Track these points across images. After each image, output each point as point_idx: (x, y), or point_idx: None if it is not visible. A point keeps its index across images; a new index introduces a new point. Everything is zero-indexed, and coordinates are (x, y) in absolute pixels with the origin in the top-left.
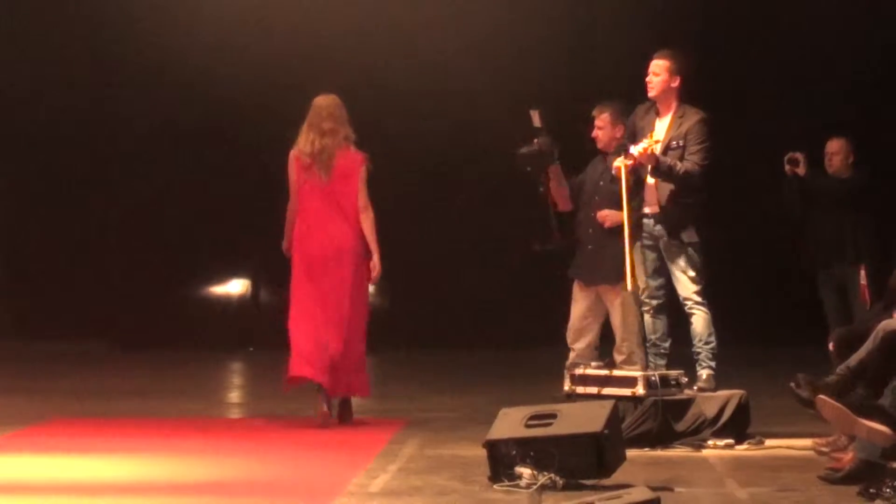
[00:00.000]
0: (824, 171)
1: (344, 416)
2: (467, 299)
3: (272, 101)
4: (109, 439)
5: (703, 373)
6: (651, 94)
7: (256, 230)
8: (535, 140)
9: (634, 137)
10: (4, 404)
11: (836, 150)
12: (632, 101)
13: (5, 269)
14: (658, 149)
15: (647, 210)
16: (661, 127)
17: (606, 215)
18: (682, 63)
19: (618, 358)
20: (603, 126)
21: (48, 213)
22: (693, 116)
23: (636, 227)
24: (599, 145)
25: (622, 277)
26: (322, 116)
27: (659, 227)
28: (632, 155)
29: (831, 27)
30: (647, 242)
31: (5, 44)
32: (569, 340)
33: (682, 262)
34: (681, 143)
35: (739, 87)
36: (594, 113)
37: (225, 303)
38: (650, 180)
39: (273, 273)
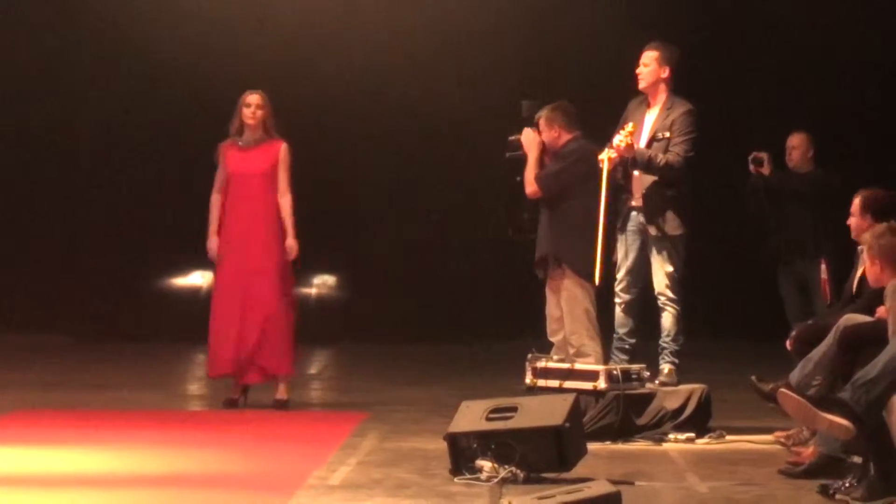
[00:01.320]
0: (784, 165)
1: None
2: (428, 291)
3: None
4: (70, 431)
5: (666, 367)
6: (641, 85)
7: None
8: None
9: None
10: None
11: (796, 145)
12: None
13: None
14: (644, 140)
15: (632, 203)
16: (650, 119)
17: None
18: (671, 54)
19: (569, 350)
20: (541, 130)
21: (5, 203)
22: (680, 108)
23: (624, 219)
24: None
25: (560, 263)
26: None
27: (642, 218)
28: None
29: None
30: (631, 236)
31: None
32: (548, 333)
33: (662, 255)
34: (666, 134)
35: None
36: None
37: (187, 294)
38: (636, 172)
39: None
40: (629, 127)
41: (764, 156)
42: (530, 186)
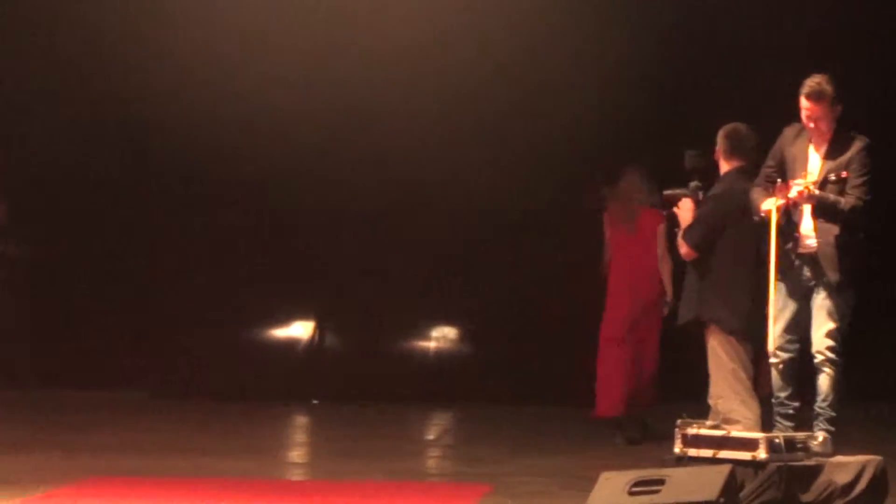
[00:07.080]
0: None
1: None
2: (563, 348)
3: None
4: (152, 502)
5: (819, 435)
6: (810, 125)
7: (322, 266)
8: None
9: (782, 164)
10: (30, 460)
11: None
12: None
13: (33, 315)
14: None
15: (799, 250)
16: (817, 155)
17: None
18: (837, 89)
19: (714, 419)
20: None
21: (82, 253)
22: (854, 144)
23: (786, 267)
24: None
25: (703, 315)
26: (626, 188)
27: (808, 269)
28: (784, 194)
29: None
30: (793, 285)
31: None
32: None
33: (830, 309)
34: (842, 174)
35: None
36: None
37: (283, 349)
38: (805, 217)
39: (340, 315)
40: (810, 177)
41: None
42: (682, 248)
